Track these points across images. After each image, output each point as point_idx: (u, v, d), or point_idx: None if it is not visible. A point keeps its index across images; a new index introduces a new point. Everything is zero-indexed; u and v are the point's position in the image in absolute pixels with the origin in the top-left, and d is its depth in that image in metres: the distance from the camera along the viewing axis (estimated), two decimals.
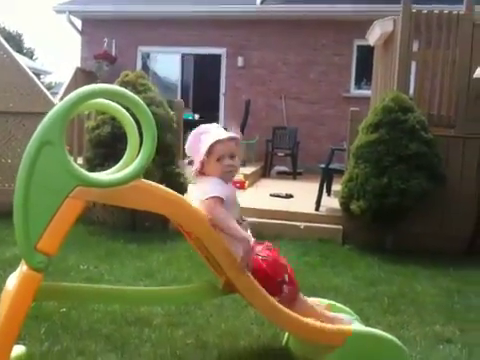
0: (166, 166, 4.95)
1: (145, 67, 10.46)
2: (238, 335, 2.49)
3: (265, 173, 8.86)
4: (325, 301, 2.55)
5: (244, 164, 8.47)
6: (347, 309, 2.50)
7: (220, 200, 2.01)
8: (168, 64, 10.76)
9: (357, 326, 2.20)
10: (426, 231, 4.78)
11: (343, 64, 9.58)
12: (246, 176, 7.16)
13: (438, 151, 4.58)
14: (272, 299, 2.05)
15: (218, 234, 1.98)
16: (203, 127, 2.13)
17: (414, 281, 3.68)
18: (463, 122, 4.86)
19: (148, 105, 5.23)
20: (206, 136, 2.07)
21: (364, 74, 9.26)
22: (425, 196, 4.43)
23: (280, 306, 2.04)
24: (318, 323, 2.09)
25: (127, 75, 5.13)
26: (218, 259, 1.96)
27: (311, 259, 4.21)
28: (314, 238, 4.84)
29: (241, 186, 6.74)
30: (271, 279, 2.09)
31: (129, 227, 4.98)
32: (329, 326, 2.09)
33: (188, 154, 2.14)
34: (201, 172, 2.11)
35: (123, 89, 1.85)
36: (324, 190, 5.85)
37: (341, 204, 4.88)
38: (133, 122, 2.15)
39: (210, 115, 9.63)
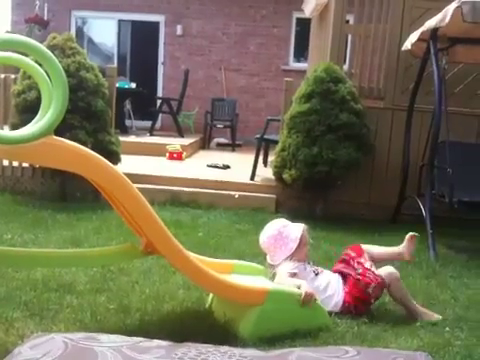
0: (98, 133, 4.81)
1: (80, 33, 10.06)
2: (163, 299, 2.49)
3: (204, 145, 8.83)
4: (252, 264, 2.61)
5: (182, 135, 8.41)
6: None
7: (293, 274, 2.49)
8: (104, 30, 10.38)
9: (274, 285, 2.26)
10: (355, 200, 4.94)
11: (282, 36, 9.61)
12: (184, 147, 7.10)
13: (368, 122, 4.72)
14: (194, 260, 2.06)
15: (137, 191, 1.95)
16: (280, 224, 2.66)
17: (339, 246, 3.78)
18: (392, 94, 5.01)
19: (77, 70, 5.05)
20: (288, 229, 2.61)
21: (303, 47, 9.33)
22: (354, 166, 4.56)
23: (202, 267, 2.06)
24: (238, 283, 2.13)
25: (55, 38, 4.89)
26: (135, 218, 1.94)
27: (243, 227, 4.26)
28: (248, 207, 4.90)
29: (178, 157, 6.69)
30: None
31: (59, 197, 4.84)
32: (249, 286, 2.13)
33: (268, 251, 2.61)
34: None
35: (27, 38, 1.75)
36: (260, 161, 5.92)
37: (274, 173, 4.96)
38: (46, 77, 2.05)
39: (148, 84, 9.43)
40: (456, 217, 4.16)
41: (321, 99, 4.60)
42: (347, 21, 5.48)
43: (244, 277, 2.34)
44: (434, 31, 3.98)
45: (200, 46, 9.73)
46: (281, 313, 2.16)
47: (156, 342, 1.32)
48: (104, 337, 1.28)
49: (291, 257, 2.54)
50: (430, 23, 3.94)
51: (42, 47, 1.72)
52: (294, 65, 9.64)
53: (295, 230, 2.61)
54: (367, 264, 2.55)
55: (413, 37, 4.28)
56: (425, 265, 3.41)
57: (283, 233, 2.59)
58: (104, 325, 2.17)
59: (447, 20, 3.64)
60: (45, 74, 1.99)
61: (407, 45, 4.42)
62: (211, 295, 2.43)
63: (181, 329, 2.12)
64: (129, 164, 5.50)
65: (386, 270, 2.51)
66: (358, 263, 2.57)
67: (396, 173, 4.83)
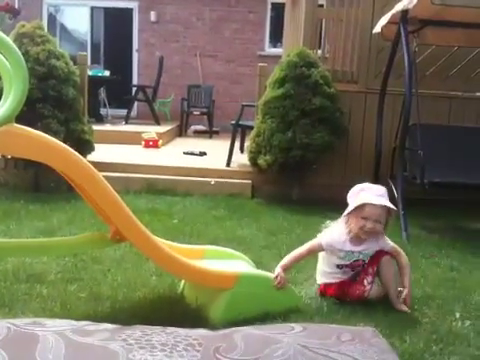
0: (70, 122, 4.74)
1: (52, 21, 9.86)
2: (134, 286, 2.49)
3: (181, 132, 8.78)
4: (225, 249, 2.61)
5: (159, 123, 8.35)
6: (243, 256, 2.57)
7: (318, 244, 2.47)
8: (77, 18, 10.21)
9: (246, 269, 2.27)
10: (330, 182, 4.97)
11: (258, 21, 9.56)
12: (160, 135, 7.05)
13: (341, 106, 4.74)
14: (162, 246, 2.05)
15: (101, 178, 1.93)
16: (365, 184, 2.43)
17: (313, 230, 3.80)
18: (365, 77, 5.04)
19: (47, 58, 4.95)
20: (363, 194, 2.37)
21: (279, 32, 9.29)
22: (328, 149, 4.59)
23: (170, 253, 2.06)
24: (208, 268, 2.14)
25: (23, 26, 4.79)
26: (101, 205, 1.92)
27: (219, 213, 4.26)
28: (224, 193, 4.90)
29: (154, 145, 6.65)
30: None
31: (32, 188, 4.78)
32: (218, 270, 2.14)
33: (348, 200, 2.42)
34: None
35: None
36: (237, 147, 5.91)
37: (250, 159, 4.96)
38: (8, 66, 2.00)
39: (123, 72, 9.32)
40: (428, 198, 4.22)
41: (294, 84, 4.60)
42: (321, 5, 5.47)
43: (215, 262, 2.35)
44: (404, 13, 3.99)
45: (175, 32, 9.63)
46: (252, 296, 2.17)
47: (103, 325, 1.32)
48: (50, 322, 1.27)
49: (347, 220, 2.41)
50: (399, 5, 3.96)
51: (0, 34, 1.68)
52: (270, 50, 9.62)
53: (363, 195, 2.36)
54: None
55: (383, 20, 4.29)
56: (397, 246, 3.45)
57: (358, 189, 2.40)
58: (74, 314, 2.15)
59: (415, 2, 3.66)
60: (6, 62, 1.95)
61: (378, 28, 4.43)
62: (183, 281, 2.44)
63: (152, 315, 2.12)
64: (104, 153, 5.46)
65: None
66: None
67: (370, 156, 4.87)
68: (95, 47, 10.24)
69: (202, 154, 6.26)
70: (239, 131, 6.13)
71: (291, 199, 4.82)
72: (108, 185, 1.92)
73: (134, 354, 1.13)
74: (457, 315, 2.34)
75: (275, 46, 9.76)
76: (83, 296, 2.35)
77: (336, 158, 4.87)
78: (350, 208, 2.38)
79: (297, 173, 4.77)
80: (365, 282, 2.41)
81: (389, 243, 2.50)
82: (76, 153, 1.93)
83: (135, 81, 9.79)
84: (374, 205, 2.33)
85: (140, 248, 2.05)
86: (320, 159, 4.70)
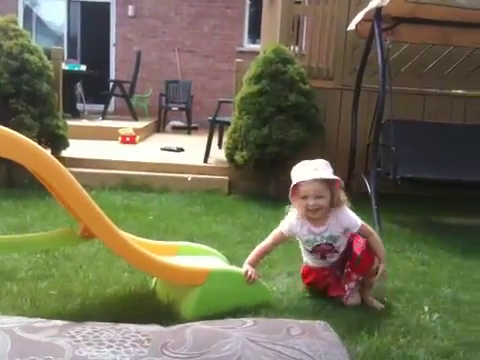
0: (44, 117, 4.68)
1: (28, 14, 9.70)
2: (106, 283, 2.47)
3: (159, 128, 8.73)
4: (198, 245, 2.62)
5: (136, 119, 8.30)
6: (216, 252, 2.58)
7: (279, 233, 2.42)
8: (53, 11, 10.05)
9: (217, 265, 2.28)
10: None
11: (236, 17, 9.55)
12: (137, 131, 7.01)
13: (316, 102, 4.77)
14: (131, 242, 2.05)
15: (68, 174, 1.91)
16: (300, 164, 2.36)
17: None
18: (341, 74, 5.07)
19: (20, 52, 4.89)
20: (297, 173, 2.32)
21: (258, 28, 9.29)
22: (303, 146, 4.62)
23: (140, 249, 2.05)
24: (178, 265, 2.14)
25: None
26: (69, 202, 1.91)
27: (195, 209, 4.26)
28: (201, 189, 4.89)
29: (131, 141, 6.61)
30: None
31: (5, 184, 4.70)
32: (189, 266, 2.14)
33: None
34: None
35: None
36: (215, 143, 5.91)
37: (226, 155, 4.97)
38: None
39: (100, 67, 9.22)
40: (401, 193, 4.28)
41: (270, 80, 4.62)
42: (298, 2, 5.48)
43: (187, 258, 2.35)
44: (378, 11, 4.03)
45: (153, 27, 9.56)
46: (223, 292, 2.18)
47: (53, 322, 1.31)
48: None
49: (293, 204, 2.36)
50: (373, 3, 3.99)
51: None
52: (249, 46, 9.61)
53: (301, 173, 2.31)
54: None
55: (358, 17, 4.33)
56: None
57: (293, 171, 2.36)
58: (43, 311, 2.14)
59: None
60: None
61: (352, 25, 4.47)
62: (155, 277, 2.44)
63: (123, 312, 2.11)
64: (80, 149, 5.41)
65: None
66: None
67: (346, 152, 4.91)
68: (72, 41, 10.11)
69: (179, 150, 6.25)
70: (217, 127, 6.12)
71: (267, 195, 4.83)
72: (76, 182, 1.91)
73: (81, 350, 1.13)
74: (426, 308, 2.38)
75: (254, 42, 9.75)
76: (53, 293, 2.33)
77: (312, 154, 4.81)
78: (290, 192, 2.35)
79: (273, 169, 4.78)
80: (346, 287, 2.35)
81: (355, 220, 2.37)
82: (44, 150, 1.91)
83: (112, 76, 9.70)
84: (306, 182, 2.26)
85: (109, 245, 2.04)
86: (296, 155, 4.69)
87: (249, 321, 1.21)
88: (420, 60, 5.11)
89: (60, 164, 1.90)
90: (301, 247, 2.53)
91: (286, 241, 2.52)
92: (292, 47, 5.24)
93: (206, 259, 2.40)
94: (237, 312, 2.16)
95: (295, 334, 1.15)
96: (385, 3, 3.78)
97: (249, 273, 2.26)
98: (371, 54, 4.54)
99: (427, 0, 3.73)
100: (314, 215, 2.32)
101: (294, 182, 2.30)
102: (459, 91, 5.60)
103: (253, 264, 2.34)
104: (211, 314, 2.11)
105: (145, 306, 2.21)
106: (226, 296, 2.19)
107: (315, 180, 2.26)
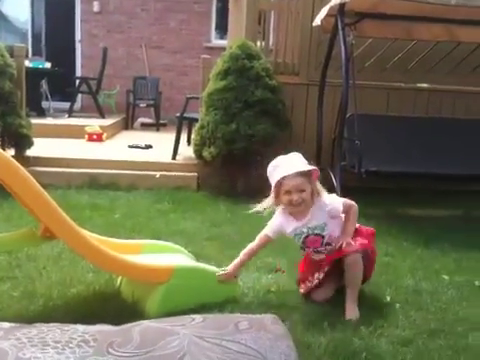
0: (7, 116, 4.58)
1: None
2: (70, 284, 2.45)
3: (127, 125, 8.64)
4: (164, 243, 2.61)
5: (104, 116, 8.19)
6: (182, 249, 2.58)
7: (265, 236, 2.42)
8: (17, 7, 9.81)
9: (181, 262, 2.28)
10: None
11: (203, 12, 9.50)
12: (104, 128, 6.92)
13: (283, 97, 4.79)
14: (93, 242, 2.03)
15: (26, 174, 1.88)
16: (276, 160, 2.35)
17: (258, 220, 3.84)
18: (306, 69, 5.11)
19: None
20: (277, 170, 2.29)
21: (226, 23, 9.27)
22: (271, 141, 4.64)
23: (102, 249, 2.04)
24: (142, 262, 2.13)
25: None
26: (27, 203, 1.88)
27: (163, 206, 4.24)
28: (169, 186, 4.87)
29: (98, 138, 6.52)
30: None
31: None
32: (153, 264, 2.14)
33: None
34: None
35: None
36: (184, 139, 5.88)
37: (195, 152, 4.95)
38: None
39: (65, 64, 9.06)
40: (366, 186, 4.34)
41: (237, 76, 4.62)
42: None
43: (151, 256, 2.34)
44: (341, 6, 4.07)
45: (119, 23, 9.44)
46: (187, 288, 2.18)
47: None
48: None
49: (276, 202, 2.34)
50: None
51: None
52: (217, 42, 9.58)
53: (278, 171, 2.29)
54: None
55: (322, 13, 4.36)
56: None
57: (271, 168, 2.34)
58: (6, 313, 2.11)
59: None
60: None
61: (317, 21, 4.50)
62: (120, 276, 2.42)
63: (86, 312, 2.10)
64: (45, 147, 5.31)
65: None
66: None
67: (312, 146, 4.94)
68: (36, 38, 9.88)
69: (148, 147, 6.20)
70: (186, 124, 6.09)
71: (236, 191, 4.84)
72: (34, 182, 1.88)
73: (24, 352, 1.11)
74: (388, 299, 2.43)
75: (222, 37, 9.73)
76: (16, 295, 2.29)
77: (280, 149, 4.85)
78: (272, 189, 2.33)
79: (242, 165, 4.79)
80: (313, 277, 2.38)
81: (336, 203, 2.39)
82: (0, 150, 1.87)
83: (78, 73, 9.53)
84: (289, 177, 2.25)
85: (70, 245, 2.01)
86: (264, 151, 4.73)
87: (198, 317, 1.22)
88: (384, 55, 5.19)
89: (17, 164, 1.87)
90: None
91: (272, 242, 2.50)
92: (259, 43, 5.26)
93: (171, 256, 2.40)
94: (202, 309, 2.16)
95: (242, 329, 1.16)
96: None
97: (224, 275, 2.31)
98: (335, 49, 4.59)
99: None
100: (297, 209, 2.32)
101: (277, 178, 2.27)
102: (424, 85, 5.72)
103: (238, 266, 2.38)
104: (176, 311, 2.11)
105: (109, 305, 2.20)
106: (191, 293, 2.19)
107: (298, 174, 2.26)
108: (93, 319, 1.76)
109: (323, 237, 2.36)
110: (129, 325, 1.29)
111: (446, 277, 2.80)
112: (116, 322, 1.60)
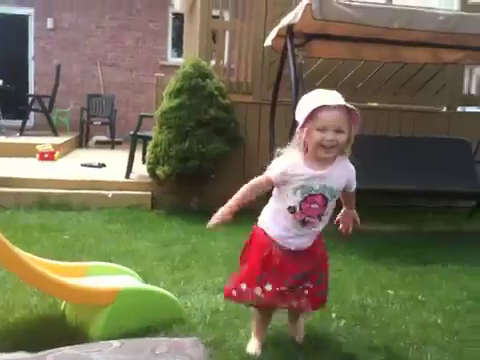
0: None
1: None
2: (13, 308, 2.38)
3: (81, 143, 8.51)
4: (110, 265, 2.57)
5: (57, 134, 8.04)
6: (129, 270, 2.55)
7: (265, 179, 1.96)
8: None
9: (126, 283, 2.25)
10: (230, 191, 4.99)
11: (159, 31, 9.54)
12: (57, 146, 6.79)
13: (237, 116, 4.85)
14: (33, 265, 1.98)
15: None
16: (311, 93, 1.88)
17: (210, 238, 3.87)
18: (259, 89, 5.20)
19: None
20: (313, 100, 1.83)
21: (182, 42, 9.33)
22: (224, 158, 4.68)
23: (44, 272, 1.99)
24: (86, 286, 2.10)
25: None
26: None
27: (115, 226, 4.18)
28: (123, 206, 4.82)
29: (50, 157, 6.39)
30: None
31: None
32: (97, 287, 2.11)
33: (297, 119, 1.85)
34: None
35: None
36: (138, 158, 5.84)
37: (148, 170, 4.93)
38: None
39: (18, 81, 8.89)
40: None
41: (190, 95, 4.65)
42: (216, 16, 5.56)
43: (96, 278, 2.30)
44: (289, 27, 4.17)
45: (73, 40, 9.35)
46: (132, 310, 2.15)
47: None
48: None
49: (300, 139, 1.86)
50: (285, 20, 4.13)
51: None
52: (173, 60, 9.62)
53: (321, 98, 1.81)
54: None
55: (273, 33, 4.46)
56: None
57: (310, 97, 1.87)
58: None
59: (299, 17, 3.84)
60: None
61: (268, 41, 4.59)
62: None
63: (26, 337, 2.05)
64: None
65: None
66: None
67: (265, 163, 5.01)
68: None
69: (101, 166, 6.12)
70: (141, 142, 6.06)
71: (191, 209, 4.84)
72: None
73: None
74: (333, 315, 2.47)
75: (180, 55, 9.77)
76: None
77: (234, 167, 4.96)
78: (301, 121, 1.85)
79: (196, 183, 4.81)
80: (278, 278, 1.94)
81: (355, 176, 1.97)
82: None
83: (31, 90, 9.36)
84: (329, 107, 1.79)
85: (11, 270, 1.96)
86: (218, 168, 4.77)
87: (116, 343, 1.22)
88: (334, 74, 5.34)
89: None
90: (276, 206, 2.04)
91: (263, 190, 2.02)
92: (214, 61, 5.32)
93: (116, 278, 2.37)
94: (148, 330, 2.15)
95: (159, 353, 1.16)
96: (296, 20, 3.92)
97: (217, 219, 1.94)
98: (286, 69, 4.69)
99: (333, 18, 3.90)
100: (327, 154, 1.86)
101: (313, 107, 1.80)
102: (374, 104, 5.91)
103: (232, 207, 1.96)
104: (121, 333, 2.08)
105: (52, 330, 2.15)
106: (136, 314, 2.17)
107: (339, 107, 1.81)
108: (31, 345, 1.72)
109: (326, 205, 1.93)
110: (46, 352, 1.27)
111: (391, 292, 2.87)
112: (57, 346, 1.57)
